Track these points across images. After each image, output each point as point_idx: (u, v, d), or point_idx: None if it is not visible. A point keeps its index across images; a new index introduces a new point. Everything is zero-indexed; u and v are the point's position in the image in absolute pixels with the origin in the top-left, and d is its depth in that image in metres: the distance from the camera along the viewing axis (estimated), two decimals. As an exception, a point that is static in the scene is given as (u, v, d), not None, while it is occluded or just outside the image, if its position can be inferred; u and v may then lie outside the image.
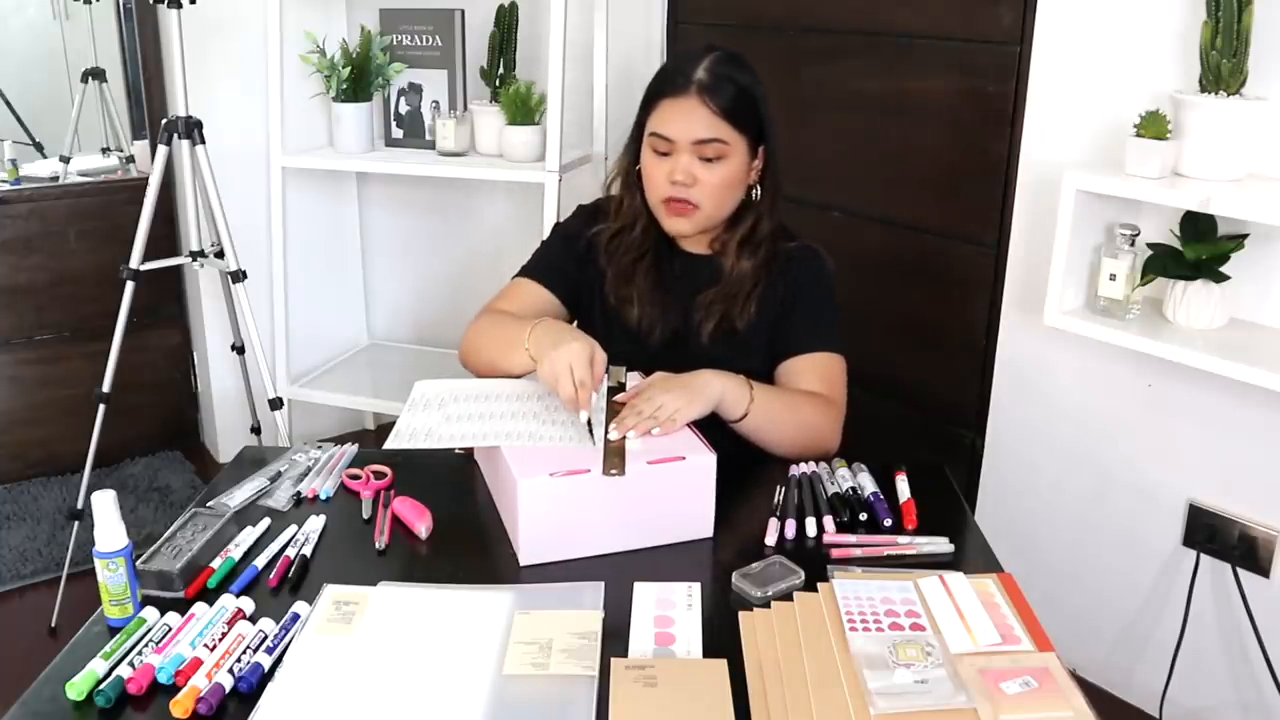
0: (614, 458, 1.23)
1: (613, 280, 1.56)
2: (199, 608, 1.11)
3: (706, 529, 1.27)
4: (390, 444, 1.31)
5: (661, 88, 1.48)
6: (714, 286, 1.54)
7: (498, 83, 2.65)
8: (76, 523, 2.31)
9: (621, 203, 1.58)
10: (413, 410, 1.37)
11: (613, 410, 1.34)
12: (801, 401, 1.49)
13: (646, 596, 1.14)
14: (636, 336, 1.54)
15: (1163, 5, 1.75)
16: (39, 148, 2.96)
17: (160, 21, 2.70)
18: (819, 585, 1.14)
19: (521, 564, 1.21)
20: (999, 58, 2.02)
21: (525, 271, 1.62)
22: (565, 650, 1.04)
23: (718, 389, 1.39)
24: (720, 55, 1.48)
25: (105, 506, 1.08)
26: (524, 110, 2.52)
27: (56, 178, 2.92)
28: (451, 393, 1.42)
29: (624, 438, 1.28)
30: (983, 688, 0.98)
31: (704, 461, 1.25)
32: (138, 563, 1.13)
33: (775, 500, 1.34)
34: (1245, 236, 1.69)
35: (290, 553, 1.22)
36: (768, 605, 1.12)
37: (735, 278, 1.53)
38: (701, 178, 1.46)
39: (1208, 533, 1.85)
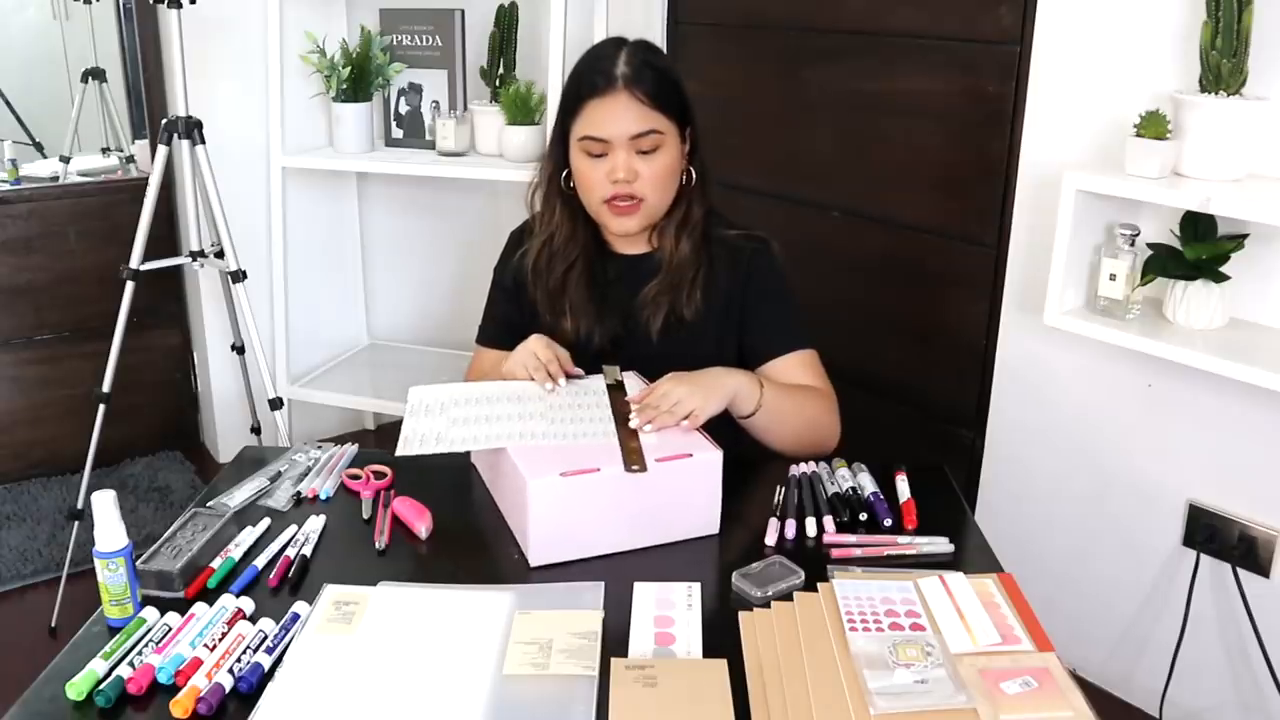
0: (635, 454, 1.23)
1: (545, 300, 1.53)
2: (199, 608, 1.11)
3: (713, 525, 1.27)
4: (401, 451, 1.30)
5: (583, 90, 1.45)
6: (654, 281, 1.52)
7: (498, 83, 2.65)
8: (76, 523, 2.31)
9: (543, 214, 1.55)
10: (415, 416, 1.37)
11: (617, 408, 1.34)
12: (806, 397, 1.49)
13: (646, 596, 1.14)
14: (574, 348, 1.49)
15: (1163, 5, 1.75)
16: (39, 148, 2.96)
17: (160, 21, 2.70)
18: (819, 585, 1.14)
19: (531, 565, 1.21)
20: (999, 58, 2.02)
21: (480, 338, 1.64)
22: (565, 650, 1.04)
23: (732, 385, 1.39)
24: (634, 45, 1.47)
25: (105, 506, 1.08)
26: (524, 110, 2.52)
27: (56, 178, 2.92)
28: (451, 397, 1.41)
29: (638, 434, 1.27)
30: (983, 688, 0.98)
31: (710, 458, 1.25)
32: (138, 563, 1.13)
33: (775, 500, 1.34)
34: (1245, 236, 1.69)
35: (290, 553, 1.22)
36: (768, 605, 1.12)
37: (677, 264, 1.51)
38: (642, 171, 1.44)
39: (1208, 533, 1.85)
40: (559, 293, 1.53)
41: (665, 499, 1.23)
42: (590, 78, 1.45)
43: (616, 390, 1.40)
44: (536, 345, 1.43)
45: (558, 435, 1.29)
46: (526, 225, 1.62)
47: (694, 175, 1.52)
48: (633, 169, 1.44)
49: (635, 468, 1.21)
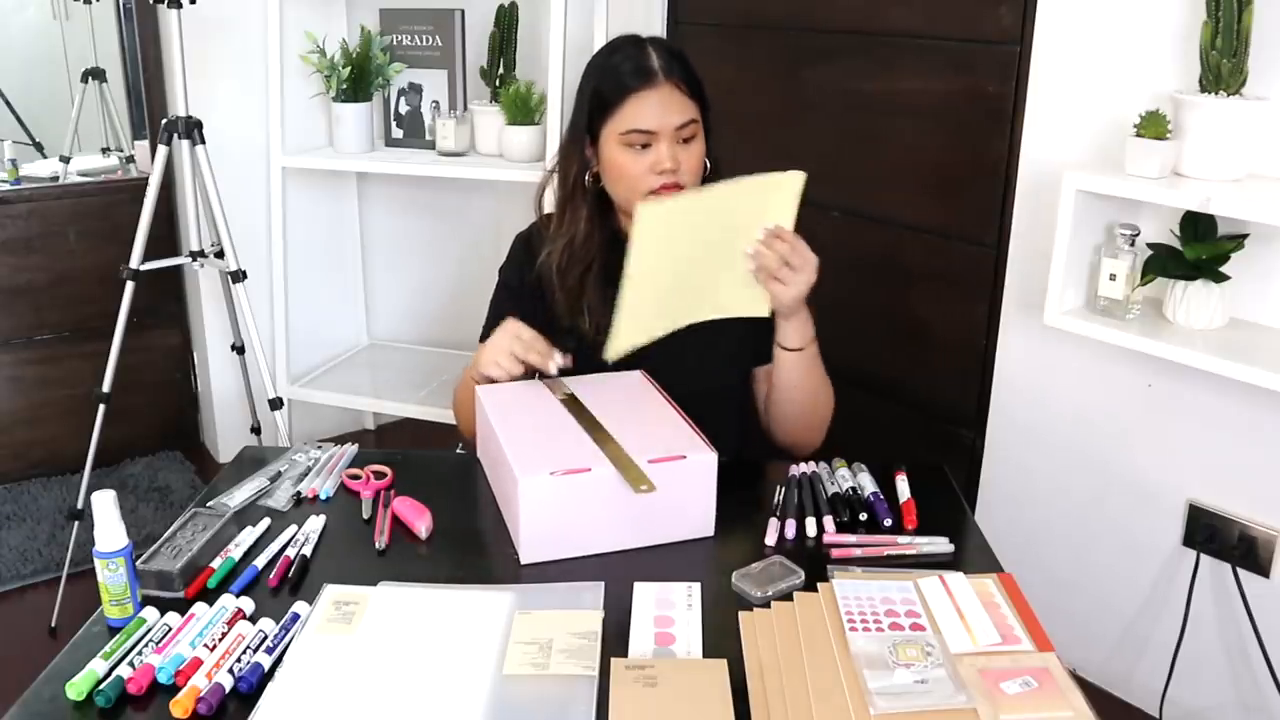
0: (640, 475, 1.21)
1: (564, 302, 1.53)
2: (199, 608, 1.11)
3: (708, 528, 1.27)
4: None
5: (624, 86, 1.46)
6: None
7: (498, 83, 2.65)
8: (76, 523, 2.31)
9: (563, 215, 1.55)
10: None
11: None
12: (829, 385, 1.54)
13: (646, 596, 1.14)
14: (595, 348, 1.48)
15: (1163, 5, 1.75)
16: (39, 148, 2.96)
17: (160, 21, 2.71)
18: (819, 585, 1.14)
19: (522, 562, 1.21)
20: (999, 58, 2.02)
21: (484, 338, 1.61)
22: (565, 650, 1.04)
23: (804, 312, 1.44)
24: (655, 40, 1.50)
25: (105, 506, 1.08)
26: (524, 110, 2.52)
27: (56, 178, 2.92)
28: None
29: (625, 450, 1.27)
30: (983, 688, 0.98)
31: (705, 460, 1.25)
32: (138, 563, 1.13)
33: (775, 500, 1.34)
34: (1245, 236, 1.69)
35: (290, 553, 1.22)
36: (768, 605, 1.12)
37: None
38: (683, 159, 1.47)
39: (1208, 533, 1.85)
40: (577, 294, 1.53)
41: (659, 500, 1.23)
42: (627, 74, 1.46)
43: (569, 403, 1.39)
44: (514, 328, 1.42)
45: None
46: (534, 228, 1.62)
47: (709, 165, 1.54)
48: (676, 158, 1.46)
49: (644, 488, 1.20)
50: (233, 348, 2.57)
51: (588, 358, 1.45)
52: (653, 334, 1.39)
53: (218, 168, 2.25)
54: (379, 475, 1.40)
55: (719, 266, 1.38)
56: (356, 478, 1.40)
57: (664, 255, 1.35)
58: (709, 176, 1.54)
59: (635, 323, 1.37)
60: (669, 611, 1.11)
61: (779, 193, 1.37)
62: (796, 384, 1.49)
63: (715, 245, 1.37)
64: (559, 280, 1.54)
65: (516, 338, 1.41)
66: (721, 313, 1.42)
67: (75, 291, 2.81)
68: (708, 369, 1.52)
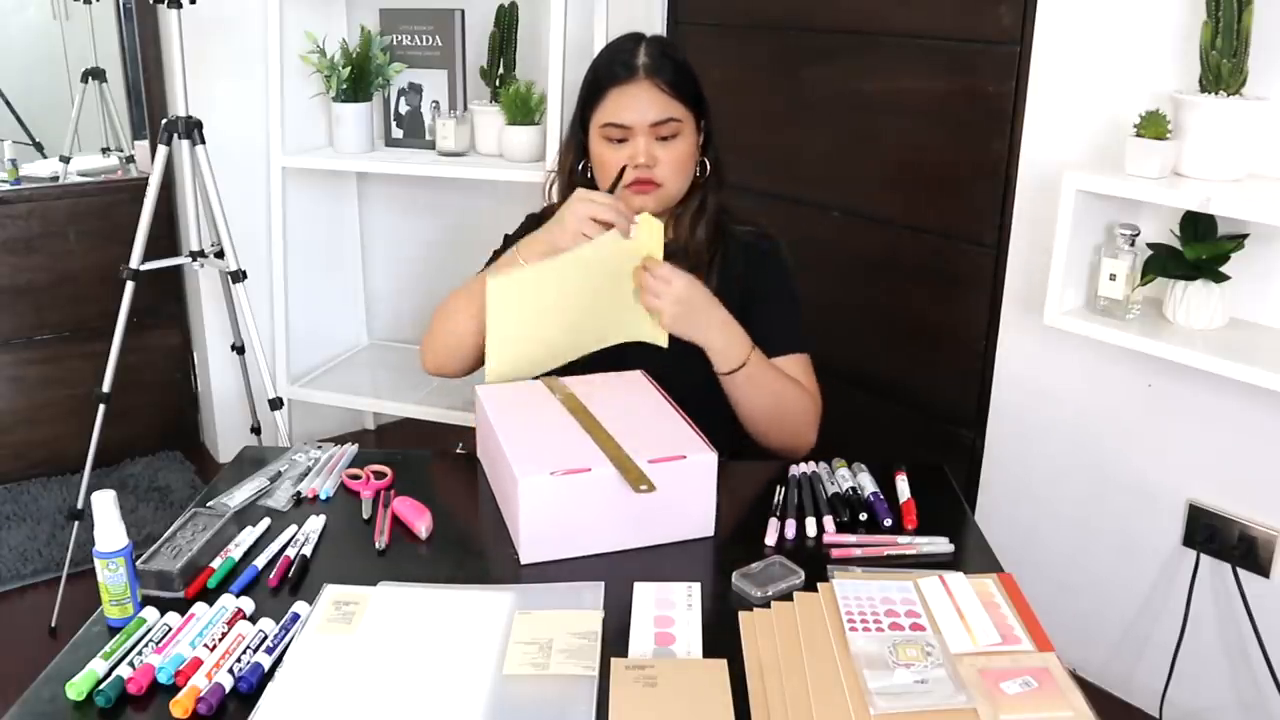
0: (637, 473, 1.21)
1: None
2: (199, 608, 1.11)
3: (707, 528, 1.27)
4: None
5: (605, 80, 1.49)
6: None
7: (498, 83, 2.65)
8: (76, 523, 2.31)
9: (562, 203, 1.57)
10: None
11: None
12: (792, 386, 1.52)
13: (646, 596, 1.14)
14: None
15: (1163, 5, 1.75)
16: (39, 148, 2.96)
17: (160, 21, 2.71)
18: (819, 585, 1.14)
19: (522, 563, 1.21)
20: (999, 58, 2.02)
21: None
22: (565, 650, 1.04)
23: (718, 334, 1.43)
24: (653, 39, 1.51)
25: (105, 506, 1.08)
26: (524, 110, 2.52)
27: (56, 178, 2.92)
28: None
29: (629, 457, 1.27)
30: (983, 688, 0.98)
31: (705, 460, 1.25)
32: (138, 563, 1.13)
33: (775, 500, 1.34)
34: (1245, 236, 1.69)
35: (290, 553, 1.22)
36: (768, 605, 1.12)
37: (693, 250, 1.54)
38: (661, 157, 1.48)
39: (1208, 533, 1.85)
40: None
41: (659, 500, 1.23)
42: (611, 68, 1.49)
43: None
44: (586, 194, 1.40)
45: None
46: (545, 211, 1.63)
47: (708, 167, 1.55)
48: (652, 154, 1.47)
49: (644, 488, 1.20)
50: (233, 348, 2.57)
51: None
52: (542, 367, 1.46)
53: (218, 168, 2.25)
54: (379, 475, 1.40)
55: (613, 304, 1.43)
56: (356, 478, 1.40)
57: (524, 316, 1.41)
58: (708, 177, 1.55)
59: (507, 365, 1.44)
60: (669, 611, 1.11)
61: (643, 234, 1.40)
62: (744, 401, 1.49)
63: (602, 289, 1.42)
64: None
65: (591, 201, 1.39)
66: (627, 337, 1.46)
67: (75, 291, 2.81)
68: (690, 367, 1.51)
